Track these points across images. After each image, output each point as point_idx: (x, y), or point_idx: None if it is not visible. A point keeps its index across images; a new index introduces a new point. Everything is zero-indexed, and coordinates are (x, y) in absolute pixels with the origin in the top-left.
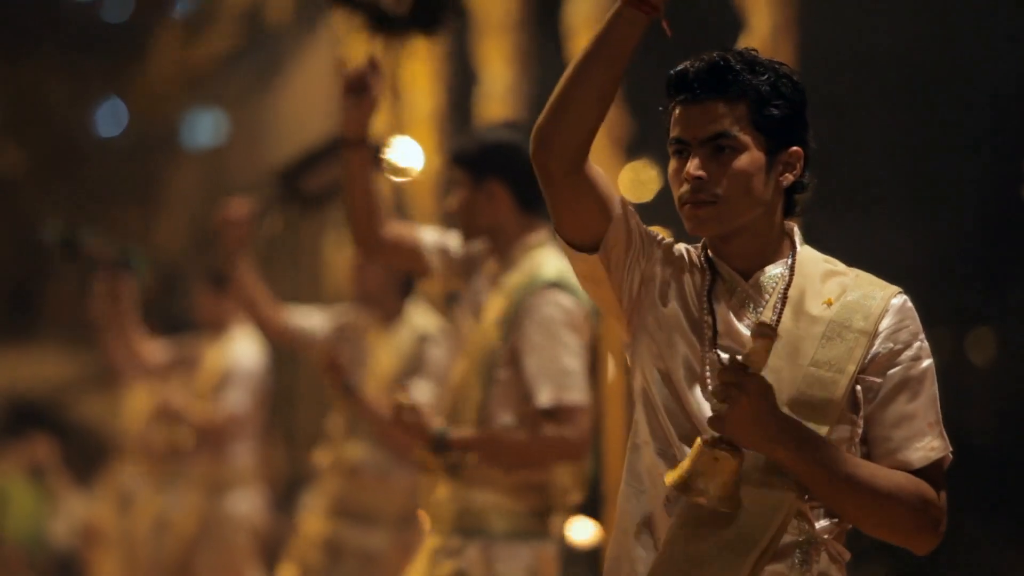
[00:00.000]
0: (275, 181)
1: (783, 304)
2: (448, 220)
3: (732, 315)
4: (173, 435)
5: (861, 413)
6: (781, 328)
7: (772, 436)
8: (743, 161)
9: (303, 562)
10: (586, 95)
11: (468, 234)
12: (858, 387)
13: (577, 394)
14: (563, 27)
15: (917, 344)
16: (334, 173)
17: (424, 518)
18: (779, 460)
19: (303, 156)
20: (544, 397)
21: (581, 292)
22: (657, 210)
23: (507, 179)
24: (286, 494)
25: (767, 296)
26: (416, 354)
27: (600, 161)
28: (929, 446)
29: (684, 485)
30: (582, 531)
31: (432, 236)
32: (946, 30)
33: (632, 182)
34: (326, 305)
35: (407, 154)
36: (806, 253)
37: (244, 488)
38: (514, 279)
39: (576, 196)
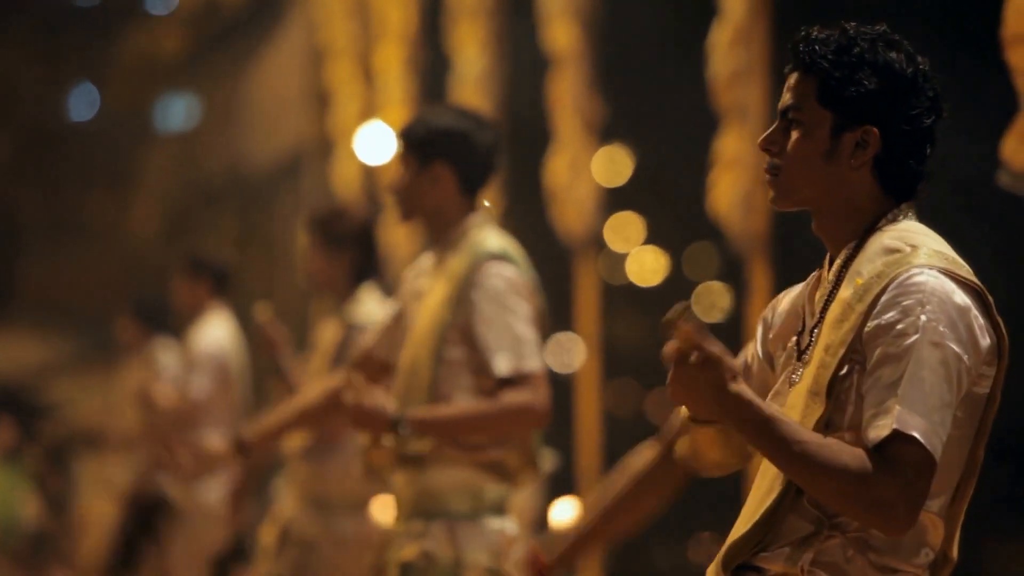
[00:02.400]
0: None
1: (834, 289)
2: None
3: (812, 304)
4: (150, 421)
5: (854, 395)
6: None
7: (715, 413)
8: (801, 135)
9: (266, 548)
10: None
11: (408, 215)
12: (852, 370)
13: (534, 361)
14: (538, 12)
15: (909, 320)
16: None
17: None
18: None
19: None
20: (502, 366)
21: (524, 264)
22: (630, 194)
23: (454, 163)
24: (261, 481)
25: (830, 284)
26: (343, 342)
27: (573, 145)
28: (885, 423)
29: (686, 456)
30: (564, 512)
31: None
32: (923, 9)
33: (605, 166)
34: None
35: (378, 139)
36: (887, 231)
37: (216, 475)
38: (456, 260)
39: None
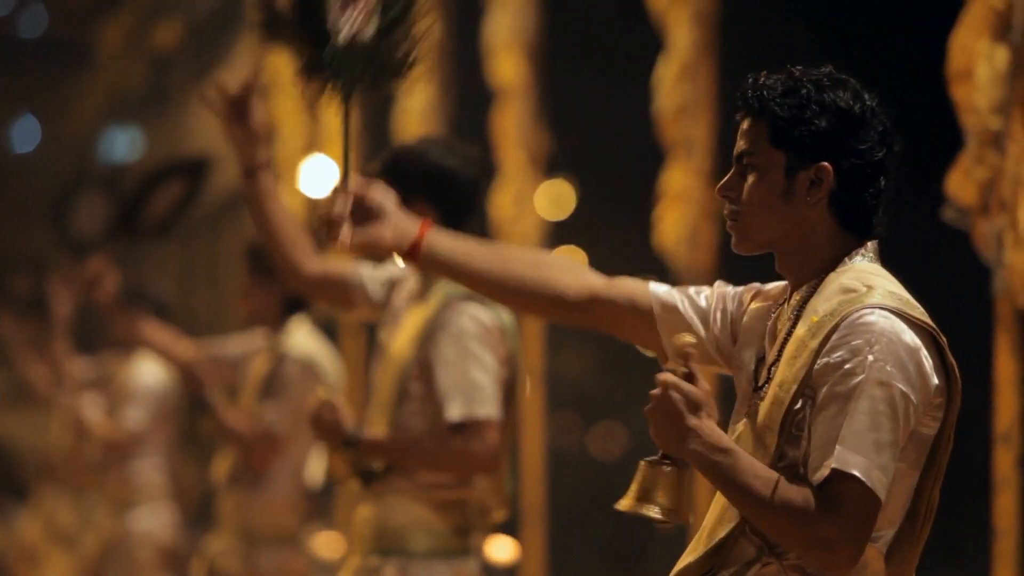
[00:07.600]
0: (114, 219)
1: (792, 326)
2: None
3: (774, 336)
4: (84, 451)
5: (807, 430)
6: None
7: (675, 446)
8: (757, 178)
9: None
10: None
11: None
12: (805, 405)
13: (486, 408)
14: (483, 44)
15: (856, 360)
16: (173, 198)
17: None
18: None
19: (141, 185)
20: (453, 412)
21: (498, 306)
22: (574, 227)
23: (434, 202)
24: (199, 511)
25: (790, 320)
26: (273, 373)
27: (518, 179)
28: (827, 463)
29: (633, 503)
30: (501, 549)
31: (358, 272)
32: (868, 45)
33: (549, 200)
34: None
35: (322, 173)
36: (846, 271)
37: (150, 505)
38: (433, 296)
39: (606, 325)
